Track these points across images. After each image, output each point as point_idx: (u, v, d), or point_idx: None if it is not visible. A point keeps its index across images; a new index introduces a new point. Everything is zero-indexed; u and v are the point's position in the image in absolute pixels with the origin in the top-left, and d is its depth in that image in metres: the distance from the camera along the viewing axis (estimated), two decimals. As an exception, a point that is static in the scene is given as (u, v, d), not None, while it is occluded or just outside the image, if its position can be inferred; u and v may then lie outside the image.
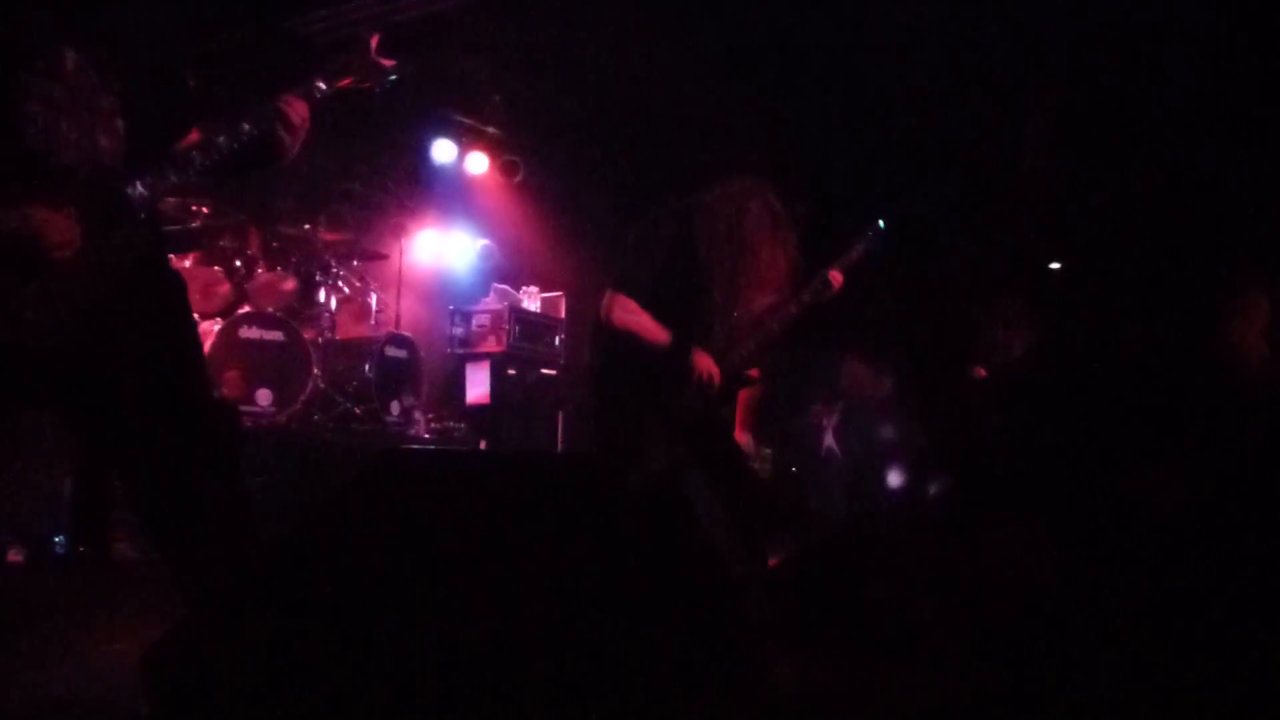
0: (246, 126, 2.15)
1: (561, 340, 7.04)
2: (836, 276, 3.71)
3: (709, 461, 3.51)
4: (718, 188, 3.45)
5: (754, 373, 3.72)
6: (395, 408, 5.95)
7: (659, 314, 3.37)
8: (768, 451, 5.89)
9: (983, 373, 5.29)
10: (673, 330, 3.33)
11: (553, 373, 6.91)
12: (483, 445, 6.32)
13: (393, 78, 2.39)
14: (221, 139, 2.14)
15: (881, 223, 3.86)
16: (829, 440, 6.23)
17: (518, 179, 7.45)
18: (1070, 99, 5.61)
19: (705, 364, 3.40)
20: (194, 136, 2.21)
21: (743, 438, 4.21)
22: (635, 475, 3.22)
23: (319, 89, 2.28)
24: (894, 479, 5.92)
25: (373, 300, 6.33)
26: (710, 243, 3.36)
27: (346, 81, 2.35)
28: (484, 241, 7.54)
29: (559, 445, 6.68)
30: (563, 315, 7.18)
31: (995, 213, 6.00)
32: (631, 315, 3.34)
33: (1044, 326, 5.26)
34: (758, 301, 3.52)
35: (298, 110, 2.23)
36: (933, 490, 5.46)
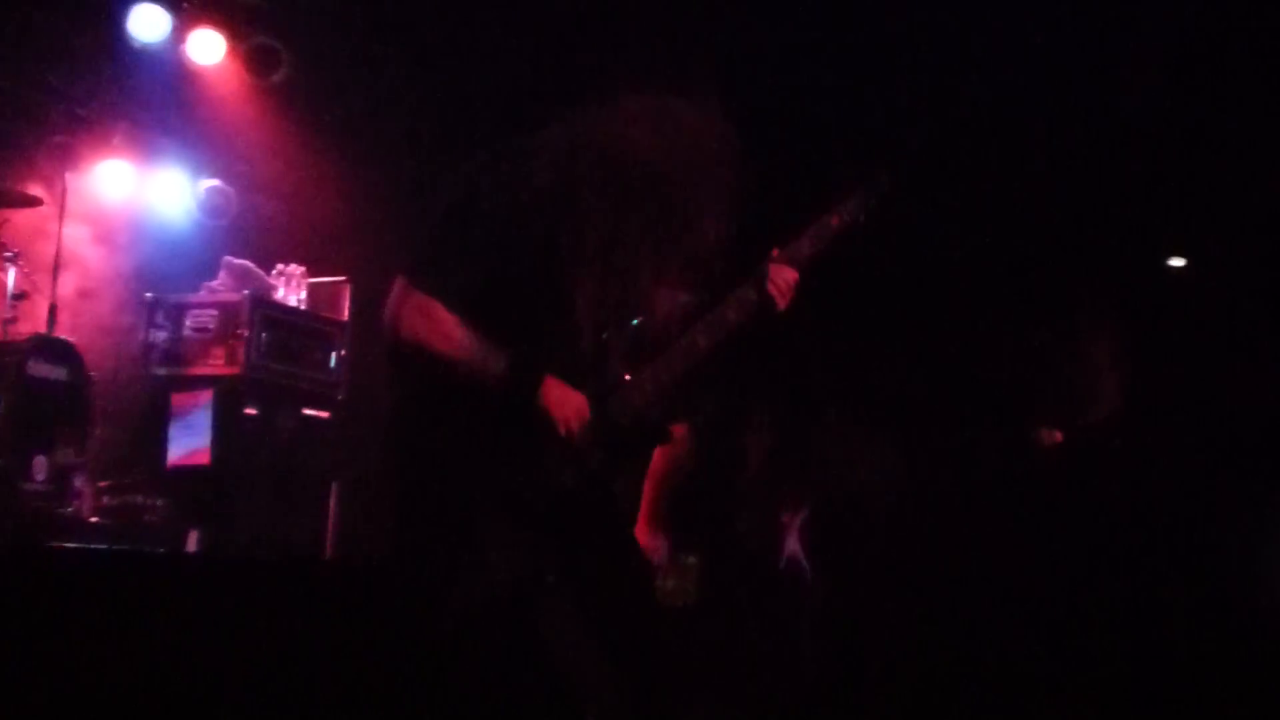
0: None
1: (342, 359, 6.96)
2: (801, 252, 3.79)
3: (583, 577, 3.51)
4: (602, 111, 3.47)
5: (677, 429, 4.08)
6: (41, 467, 5.90)
7: (491, 322, 3.37)
8: (691, 561, 5.34)
9: (1057, 437, 5.30)
10: (512, 351, 3.35)
11: (324, 415, 6.84)
12: (192, 541, 6.14)
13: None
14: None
15: (887, 176, 3.94)
16: (792, 546, 5.55)
17: (277, 78, 7.32)
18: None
19: (571, 407, 3.41)
20: None
21: (648, 537, 4.38)
22: (455, 599, 3.26)
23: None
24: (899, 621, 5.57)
25: (8, 279, 6.26)
26: (587, 201, 3.39)
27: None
28: (212, 183, 7.39)
29: (327, 544, 6.63)
30: (345, 316, 7.09)
31: (1068, 180, 6.06)
32: (436, 326, 3.34)
33: (1150, 362, 5.28)
34: (670, 301, 3.59)
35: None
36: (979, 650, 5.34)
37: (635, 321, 3.63)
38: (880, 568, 6.01)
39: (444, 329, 3.34)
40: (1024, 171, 6.21)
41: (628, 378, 3.61)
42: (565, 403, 3.42)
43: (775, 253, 3.78)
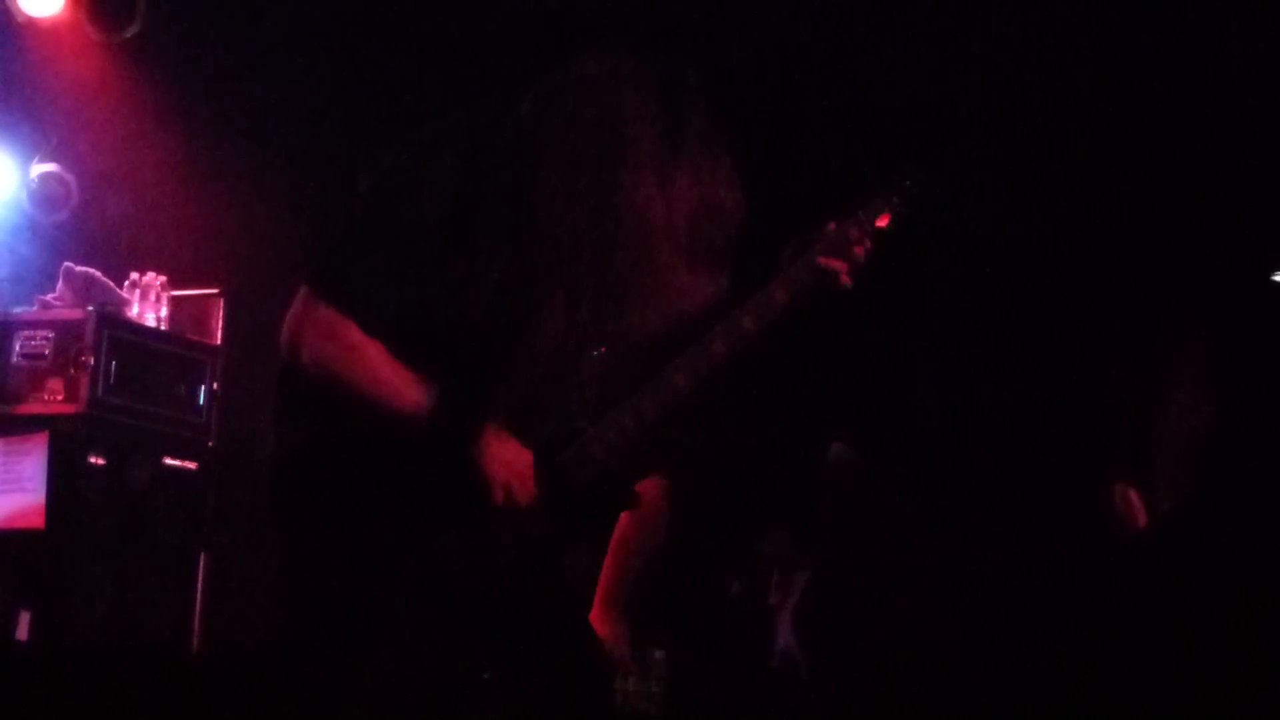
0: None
1: (212, 394, 7.00)
2: (833, 263, 3.81)
3: (525, 677, 3.53)
4: (564, 73, 3.51)
5: (646, 487, 4.20)
6: None
7: (420, 346, 3.38)
8: (659, 656, 5.56)
9: (1134, 499, 5.44)
10: (442, 388, 3.36)
11: (190, 465, 6.85)
12: (22, 626, 6.23)
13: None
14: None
15: (921, 174, 4.05)
16: (785, 635, 5.75)
17: (131, 32, 7.33)
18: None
19: (512, 468, 3.43)
20: None
21: (607, 625, 4.57)
22: (360, 707, 3.28)
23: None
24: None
25: None
26: (542, 189, 3.39)
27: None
28: (46, 168, 7.38)
29: (194, 632, 6.64)
30: (217, 339, 7.12)
31: (1147, 168, 6.16)
32: (347, 352, 3.34)
33: (1251, 401, 5.42)
34: (644, 318, 3.57)
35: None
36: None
37: (595, 347, 3.63)
38: (898, 664, 6.02)
39: (357, 356, 3.32)
40: (1086, 165, 6.23)
41: (588, 426, 3.62)
42: (505, 461, 3.42)
43: (832, 226, 3.83)
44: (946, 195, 4.33)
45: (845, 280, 3.77)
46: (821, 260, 3.77)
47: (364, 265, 3.38)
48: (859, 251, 3.81)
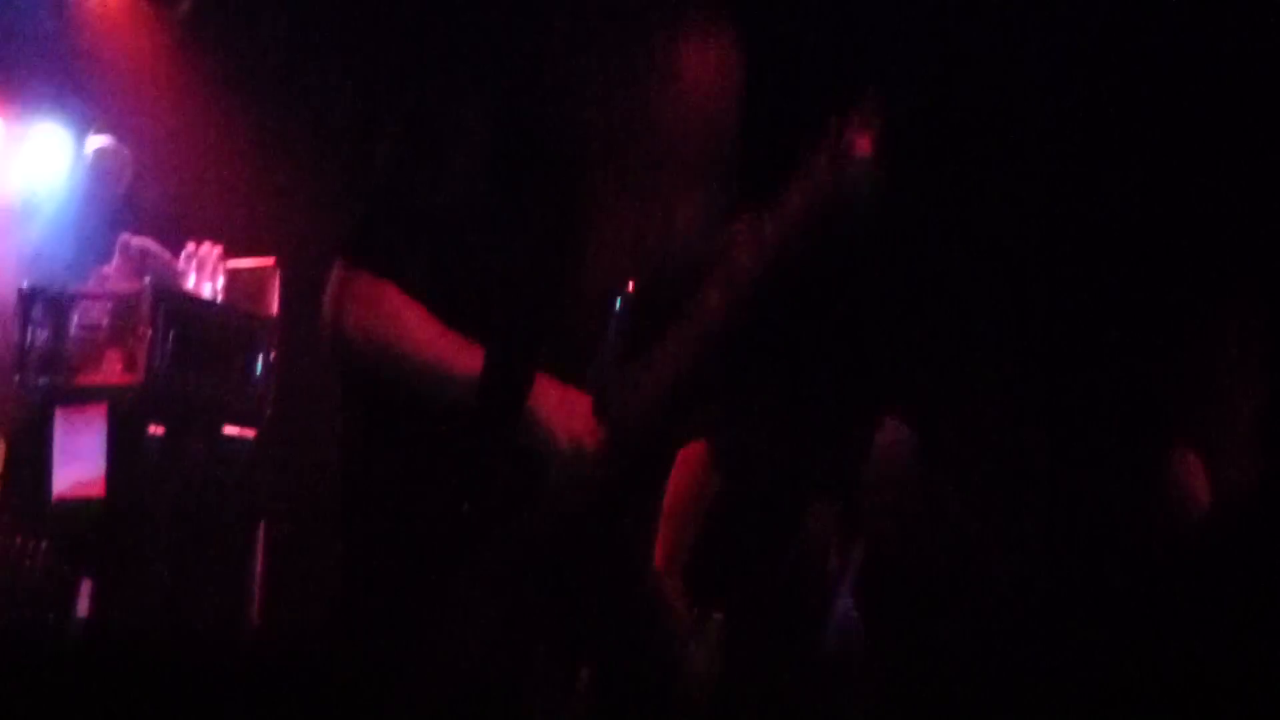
0: None
1: (269, 364, 7.00)
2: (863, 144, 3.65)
3: (590, 647, 3.48)
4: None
5: (691, 449, 4.42)
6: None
7: (454, 304, 3.32)
8: (716, 620, 5.24)
9: (1196, 464, 5.35)
10: (488, 342, 3.30)
11: (248, 434, 6.93)
12: (83, 593, 6.20)
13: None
14: None
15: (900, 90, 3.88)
16: (844, 599, 5.60)
17: (182, 9, 7.40)
18: None
19: (576, 412, 3.35)
20: None
21: (665, 590, 4.44)
22: (422, 683, 3.25)
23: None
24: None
25: None
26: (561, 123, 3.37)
27: None
28: (102, 141, 7.30)
29: (254, 599, 6.69)
30: (273, 310, 7.12)
31: (1218, 131, 6.05)
32: (390, 320, 3.32)
33: None
34: (672, 240, 3.54)
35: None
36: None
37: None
38: (961, 633, 6.05)
39: (401, 323, 3.28)
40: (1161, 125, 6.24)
41: (633, 362, 3.40)
42: (565, 407, 3.32)
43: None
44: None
45: (859, 194, 3.62)
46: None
47: (395, 224, 3.33)
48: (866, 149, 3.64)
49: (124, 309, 6.51)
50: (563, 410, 3.28)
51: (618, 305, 3.46)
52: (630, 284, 3.43)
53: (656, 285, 3.45)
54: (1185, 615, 5.33)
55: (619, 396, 3.40)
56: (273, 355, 6.88)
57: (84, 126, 7.27)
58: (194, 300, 6.80)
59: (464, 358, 3.24)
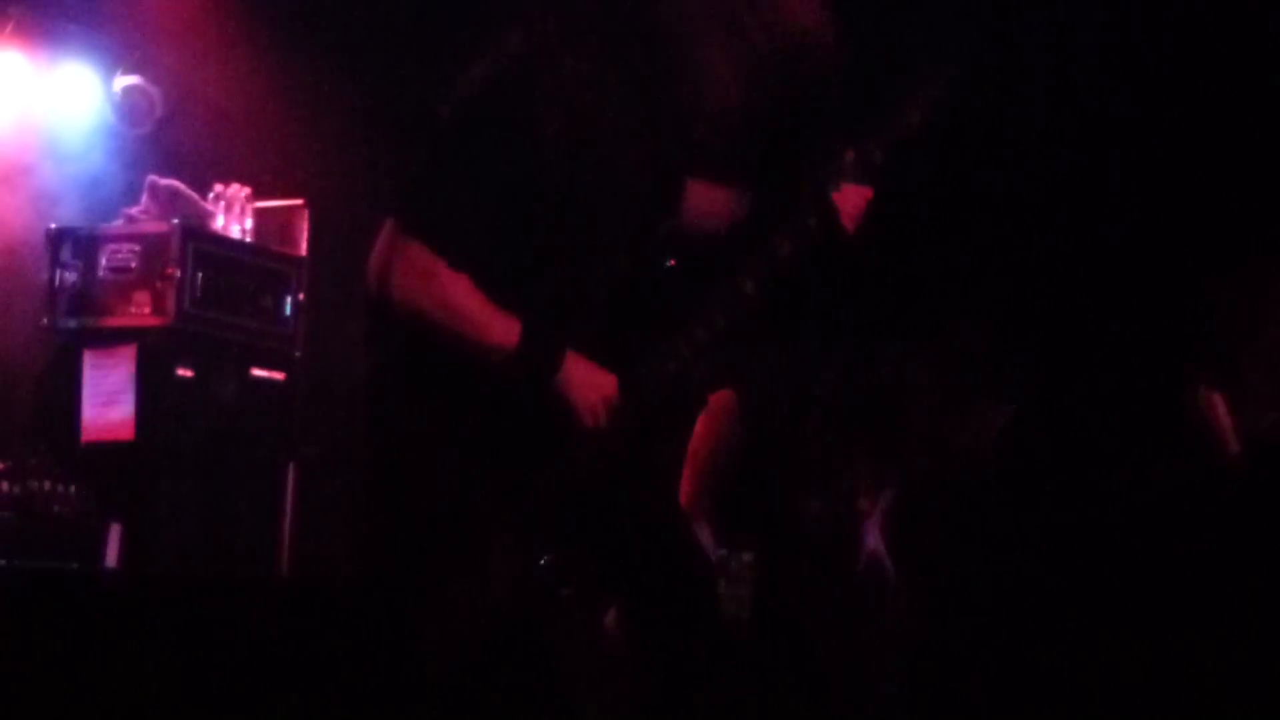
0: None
1: (298, 304, 7.01)
2: (873, 158, 3.80)
3: (618, 583, 3.59)
4: None
5: (719, 396, 4.50)
6: (-82, 447, 6.20)
7: (500, 279, 3.39)
8: (746, 559, 5.62)
9: (1218, 402, 5.58)
10: (525, 319, 3.38)
11: (277, 376, 6.90)
12: (113, 537, 6.20)
13: None
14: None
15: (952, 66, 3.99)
16: (873, 543, 5.82)
17: None
18: None
19: (598, 392, 3.46)
20: None
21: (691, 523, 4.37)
22: (447, 623, 3.30)
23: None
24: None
25: None
26: (623, 87, 3.42)
27: None
28: (130, 80, 7.33)
29: (283, 537, 6.70)
30: (302, 250, 7.12)
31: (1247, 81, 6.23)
32: (438, 291, 3.39)
33: None
34: (707, 201, 3.65)
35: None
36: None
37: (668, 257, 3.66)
38: (984, 570, 6.14)
39: (447, 294, 3.37)
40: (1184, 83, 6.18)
41: (663, 341, 3.61)
42: (590, 385, 3.45)
43: (850, 154, 3.76)
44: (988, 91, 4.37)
45: (850, 231, 3.75)
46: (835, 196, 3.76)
47: (451, 201, 3.39)
48: (864, 197, 3.76)
49: (152, 250, 6.50)
50: (588, 387, 3.41)
51: (659, 282, 3.64)
52: (671, 262, 3.65)
53: (687, 267, 3.66)
54: (1212, 554, 5.30)
55: (650, 366, 3.54)
56: (301, 296, 6.88)
57: (111, 66, 7.24)
58: (222, 240, 6.78)
59: (502, 329, 3.33)
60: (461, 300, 3.35)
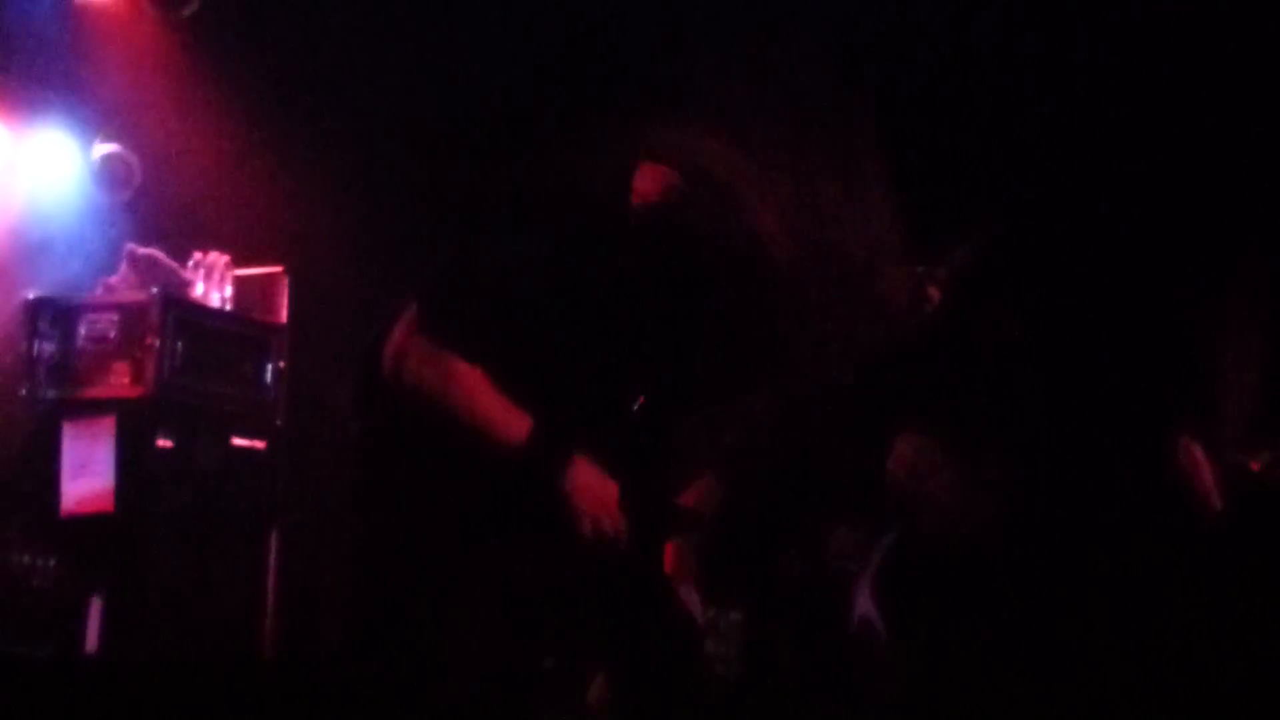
0: None
1: (279, 372, 7.03)
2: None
3: (608, 648, 3.67)
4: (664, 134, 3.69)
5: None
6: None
7: (513, 379, 3.48)
8: (735, 617, 5.78)
9: (1198, 454, 5.46)
10: (535, 417, 3.47)
11: (258, 444, 6.90)
12: (93, 611, 6.11)
13: None
14: None
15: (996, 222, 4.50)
16: (864, 607, 5.76)
17: (189, 11, 7.33)
18: None
19: (601, 500, 3.53)
20: None
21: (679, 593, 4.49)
22: (430, 700, 3.36)
23: None
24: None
25: None
26: (638, 264, 3.58)
27: None
28: (109, 148, 7.35)
29: (268, 602, 6.68)
30: (282, 317, 7.15)
31: (1217, 123, 6.11)
32: (450, 383, 3.47)
33: None
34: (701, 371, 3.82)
35: None
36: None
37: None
38: (980, 630, 5.98)
39: (456, 382, 3.47)
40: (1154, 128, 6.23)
41: (669, 451, 3.73)
42: (593, 492, 3.52)
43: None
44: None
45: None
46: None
47: (471, 316, 3.48)
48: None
49: (131, 319, 6.50)
50: (591, 495, 3.49)
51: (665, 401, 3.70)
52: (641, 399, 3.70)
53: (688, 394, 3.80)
54: (1195, 602, 5.32)
55: (659, 475, 3.67)
56: (282, 364, 6.89)
57: (90, 134, 7.26)
58: (202, 309, 6.78)
59: (512, 425, 3.44)
60: (471, 389, 3.43)
